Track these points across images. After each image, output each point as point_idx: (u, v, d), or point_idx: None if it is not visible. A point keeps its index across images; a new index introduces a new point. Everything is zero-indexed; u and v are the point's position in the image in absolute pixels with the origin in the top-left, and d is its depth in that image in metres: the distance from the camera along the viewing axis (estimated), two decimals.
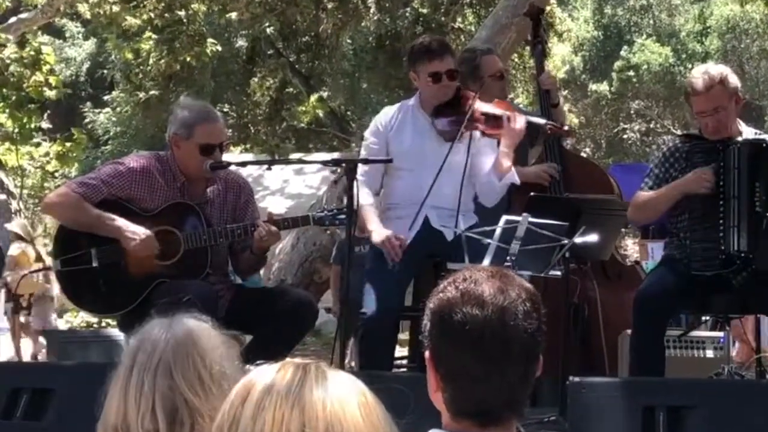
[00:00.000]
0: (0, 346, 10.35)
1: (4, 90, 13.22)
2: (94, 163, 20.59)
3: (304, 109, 17.14)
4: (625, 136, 25.84)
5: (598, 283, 5.10)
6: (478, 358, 1.73)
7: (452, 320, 1.74)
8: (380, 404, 1.51)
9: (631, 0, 26.87)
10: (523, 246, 3.89)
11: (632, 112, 25.71)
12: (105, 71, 23.34)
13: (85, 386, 2.53)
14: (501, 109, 4.61)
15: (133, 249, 4.18)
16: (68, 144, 14.45)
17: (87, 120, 24.25)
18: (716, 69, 4.38)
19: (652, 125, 25.81)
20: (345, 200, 4.26)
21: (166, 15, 13.70)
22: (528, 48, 10.67)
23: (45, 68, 13.31)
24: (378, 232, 4.43)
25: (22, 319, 10.42)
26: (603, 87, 25.19)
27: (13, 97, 13.29)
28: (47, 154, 14.93)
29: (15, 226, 10.95)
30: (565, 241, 3.99)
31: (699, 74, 4.34)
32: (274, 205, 12.23)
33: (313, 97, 16.92)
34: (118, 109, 22.69)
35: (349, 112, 20.32)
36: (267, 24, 15.43)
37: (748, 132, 4.46)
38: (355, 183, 4.08)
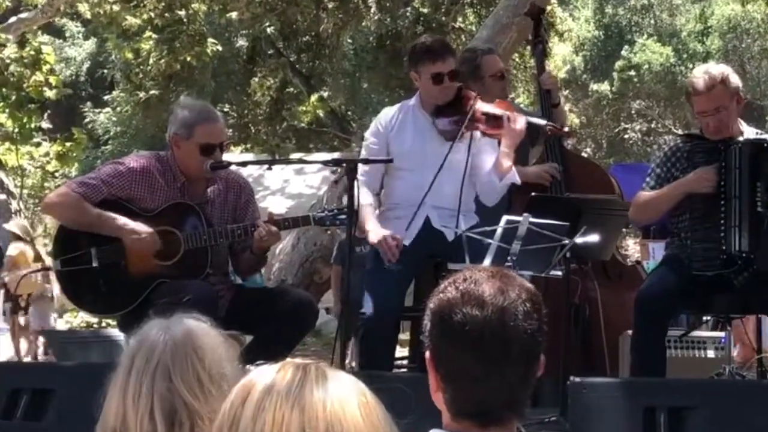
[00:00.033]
0: (0, 346, 10.35)
1: (4, 90, 13.22)
2: (94, 163, 20.59)
3: (304, 109, 17.14)
4: (626, 136, 25.84)
5: (599, 283, 5.09)
6: (478, 358, 1.73)
7: (452, 320, 1.75)
8: (380, 404, 1.51)
9: (632, 0, 26.87)
10: (524, 246, 3.89)
11: (633, 112, 25.71)
12: (105, 71, 23.34)
13: (85, 386, 2.53)
14: (502, 109, 4.61)
15: (135, 246, 4.18)
16: (68, 144, 14.45)
17: (87, 120, 24.25)
18: (717, 69, 4.37)
19: (653, 125, 25.81)
20: (344, 200, 4.26)
21: (167, 15, 13.70)
22: (529, 48, 10.63)
23: (45, 68, 13.31)
24: (375, 232, 4.42)
25: (21, 320, 10.41)
26: (604, 87, 25.19)
27: (13, 97, 13.30)
28: (47, 154, 14.93)
29: (13, 226, 10.94)
30: (566, 241, 3.98)
31: (700, 74, 4.33)
32: (275, 205, 12.23)
33: (314, 97, 16.92)
34: (119, 108, 22.70)
35: (349, 112, 20.32)
36: (267, 24, 15.42)
37: (749, 132, 4.45)
38: (355, 183, 4.07)
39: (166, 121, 5.00)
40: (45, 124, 14.70)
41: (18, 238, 10.55)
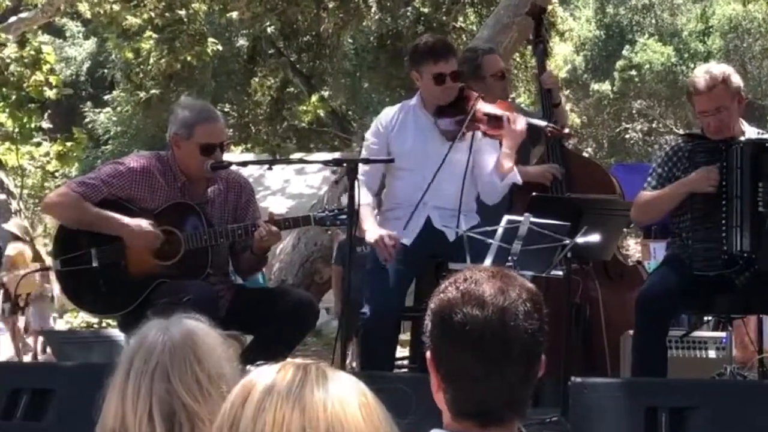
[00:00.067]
0: (0, 346, 10.35)
1: (5, 89, 13.22)
2: (95, 162, 20.60)
3: (305, 108, 17.13)
4: (627, 136, 25.83)
5: (600, 283, 5.09)
6: (478, 358, 1.73)
7: (452, 321, 1.74)
8: (381, 405, 1.51)
9: None
10: (525, 246, 3.88)
11: (634, 111, 25.70)
12: (105, 71, 23.34)
13: (86, 387, 2.52)
14: (503, 110, 4.60)
15: (136, 241, 4.18)
16: (68, 144, 14.45)
17: (87, 120, 24.27)
18: (719, 68, 4.37)
19: (654, 125, 25.80)
20: (343, 199, 4.25)
21: (167, 14, 13.70)
22: (530, 47, 10.65)
23: (45, 68, 13.31)
24: (371, 232, 4.42)
25: (20, 322, 10.41)
26: (605, 86, 25.18)
27: (14, 97, 13.29)
28: (47, 153, 14.92)
29: (11, 225, 10.93)
30: (567, 241, 3.98)
31: (701, 74, 4.33)
32: (275, 204, 12.23)
33: (314, 97, 16.92)
34: (119, 108, 22.71)
35: (350, 112, 20.32)
36: (268, 23, 15.41)
37: (750, 132, 4.45)
38: (356, 183, 4.07)
39: (166, 121, 5.00)
40: (45, 124, 14.70)
41: (17, 238, 10.54)
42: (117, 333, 5.18)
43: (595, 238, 4.23)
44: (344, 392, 1.47)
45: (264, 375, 1.49)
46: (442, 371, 1.78)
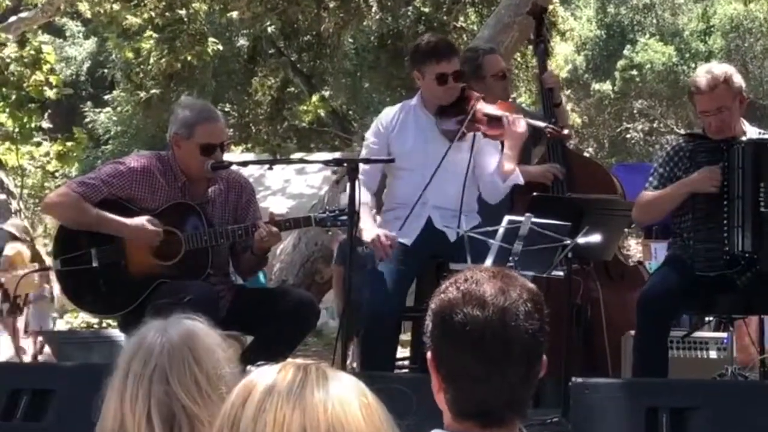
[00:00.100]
0: (0, 346, 10.34)
1: (5, 89, 13.19)
2: (95, 162, 20.59)
3: (305, 108, 17.13)
4: (628, 136, 25.82)
5: (601, 283, 5.08)
6: (478, 358, 1.73)
7: (453, 321, 1.75)
8: (382, 405, 1.50)
9: None
10: (526, 246, 3.88)
11: (635, 111, 25.69)
12: (105, 70, 23.32)
13: (86, 387, 2.52)
14: (503, 110, 4.60)
15: (138, 237, 4.17)
16: (69, 144, 14.43)
17: (87, 119, 24.25)
18: (720, 68, 4.36)
19: (655, 125, 25.79)
20: (340, 198, 4.24)
21: (167, 14, 13.69)
22: (531, 47, 10.65)
23: (45, 67, 13.28)
24: (368, 231, 4.41)
25: (19, 323, 10.40)
26: (606, 86, 25.17)
27: (14, 97, 13.26)
28: (47, 153, 14.90)
29: (9, 225, 10.91)
30: (568, 242, 3.97)
31: (703, 73, 4.32)
32: (276, 204, 12.21)
33: (315, 97, 16.91)
34: (119, 108, 22.69)
35: (350, 112, 20.31)
36: (268, 23, 15.41)
37: (752, 131, 4.44)
38: (357, 183, 4.06)
39: (166, 121, 4.99)
40: (45, 124, 14.67)
41: (15, 238, 10.53)
42: (117, 333, 5.17)
43: (596, 238, 4.23)
44: (345, 393, 1.47)
45: (264, 375, 1.49)
46: (442, 371, 1.78)
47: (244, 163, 5.93)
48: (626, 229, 9.12)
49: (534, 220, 3.89)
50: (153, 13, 13.57)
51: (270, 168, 6.13)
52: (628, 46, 25.39)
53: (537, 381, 1.78)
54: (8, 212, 12.66)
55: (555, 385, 4.22)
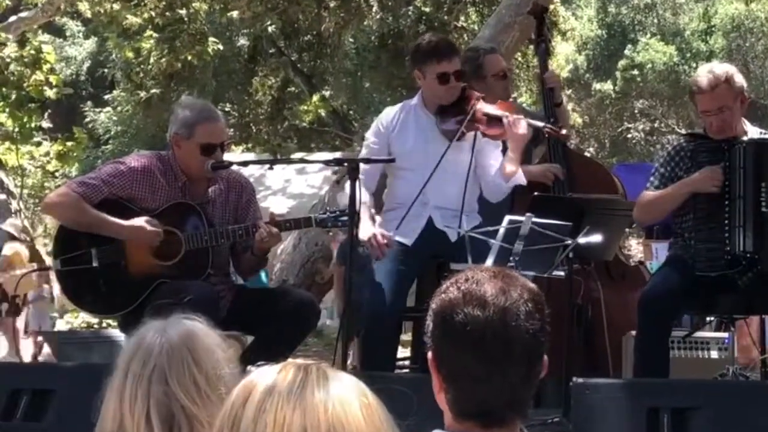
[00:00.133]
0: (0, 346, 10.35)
1: (4, 89, 13.19)
2: (95, 162, 20.60)
3: (306, 108, 17.13)
4: (629, 136, 25.84)
5: (602, 283, 5.08)
6: (479, 358, 1.73)
7: (454, 321, 1.75)
8: (382, 405, 1.50)
9: None
10: (527, 246, 3.87)
11: (636, 111, 25.70)
12: (106, 70, 23.32)
13: (86, 387, 2.51)
14: (503, 110, 4.59)
15: (138, 237, 4.16)
16: (69, 143, 14.42)
17: (88, 119, 24.27)
18: (721, 68, 4.36)
19: (656, 125, 25.80)
20: (339, 198, 4.23)
21: (167, 13, 13.69)
22: (531, 47, 10.65)
23: (45, 67, 13.27)
24: (364, 229, 4.40)
25: (19, 323, 10.39)
26: (607, 86, 25.18)
27: (14, 97, 13.26)
28: (48, 153, 14.90)
29: (8, 225, 10.91)
30: (569, 242, 3.97)
31: (704, 73, 4.32)
32: (276, 204, 12.23)
33: (315, 97, 16.91)
34: (119, 108, 22.69)
35: (351, 112, 20.32)
36: (269, 23, 15.41)
37: (753, 131, 4.44)
38: (357, 183, 4.06)
39: (166, 121, 4.99)
40: (45, 124, 14.67)
41: (13, 237, 10.52)
42: (117, 333, 5.17)
43: (597, 238, 4.22)
44: (345, 393, 1.46)
45: (265, 375, 1.49)
46: (443, 372, 1.78)
47: (245, 163, 5.92)
48: (627, 229, 9.11)
49: (535, 220, 3.88)
50: (153, 13, 13.57)
51: (270, 168, 6.13)
52: (629, 46, 25.41)
53: (538, 381, 1.78)
54: (8, 212, 12.66)
55: (556, 385, 4.22)
